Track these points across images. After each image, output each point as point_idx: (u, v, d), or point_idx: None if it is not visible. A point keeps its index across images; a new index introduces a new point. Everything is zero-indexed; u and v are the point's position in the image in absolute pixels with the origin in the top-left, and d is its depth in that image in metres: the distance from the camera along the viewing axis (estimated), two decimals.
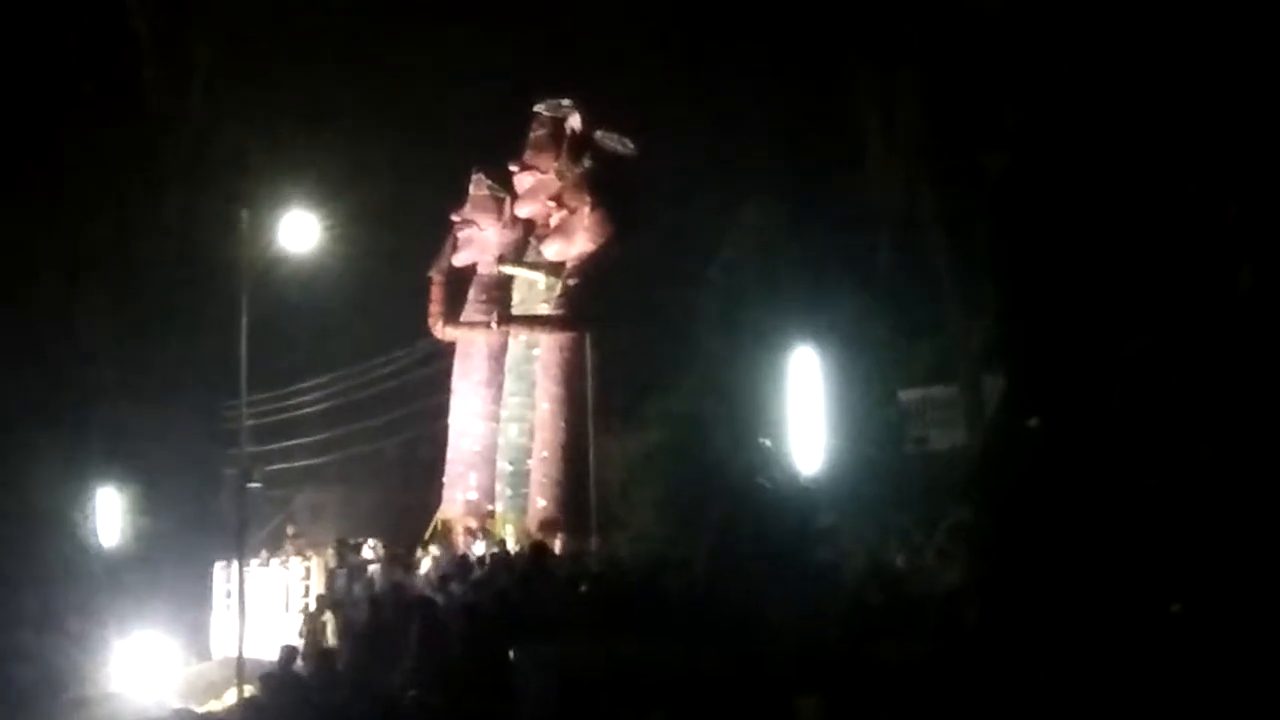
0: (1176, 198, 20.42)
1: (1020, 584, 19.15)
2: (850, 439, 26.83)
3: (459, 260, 34.39)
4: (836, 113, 29.35)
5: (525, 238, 33.74)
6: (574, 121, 32.65)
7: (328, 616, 28.61)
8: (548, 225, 32.50)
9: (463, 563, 28.38)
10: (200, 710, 26.03)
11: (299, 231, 30.56)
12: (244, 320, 28.84)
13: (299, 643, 26.82)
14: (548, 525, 30.31)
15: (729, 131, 31.08)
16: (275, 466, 38.21)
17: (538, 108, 33.15)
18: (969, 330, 26.17)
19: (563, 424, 31.24)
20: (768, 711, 14.16)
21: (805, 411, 27.22)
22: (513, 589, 23.89)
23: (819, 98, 29.65)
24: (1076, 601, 17.28)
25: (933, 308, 27.36)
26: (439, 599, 24.93)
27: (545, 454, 31.34)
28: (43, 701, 29.48)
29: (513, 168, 33.08)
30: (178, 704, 27.51)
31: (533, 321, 32.59)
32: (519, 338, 32.98)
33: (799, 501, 25.94)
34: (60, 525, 35.69)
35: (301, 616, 29.84)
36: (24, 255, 37.00)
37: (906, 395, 27.71)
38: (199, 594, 33.62)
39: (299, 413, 39.66)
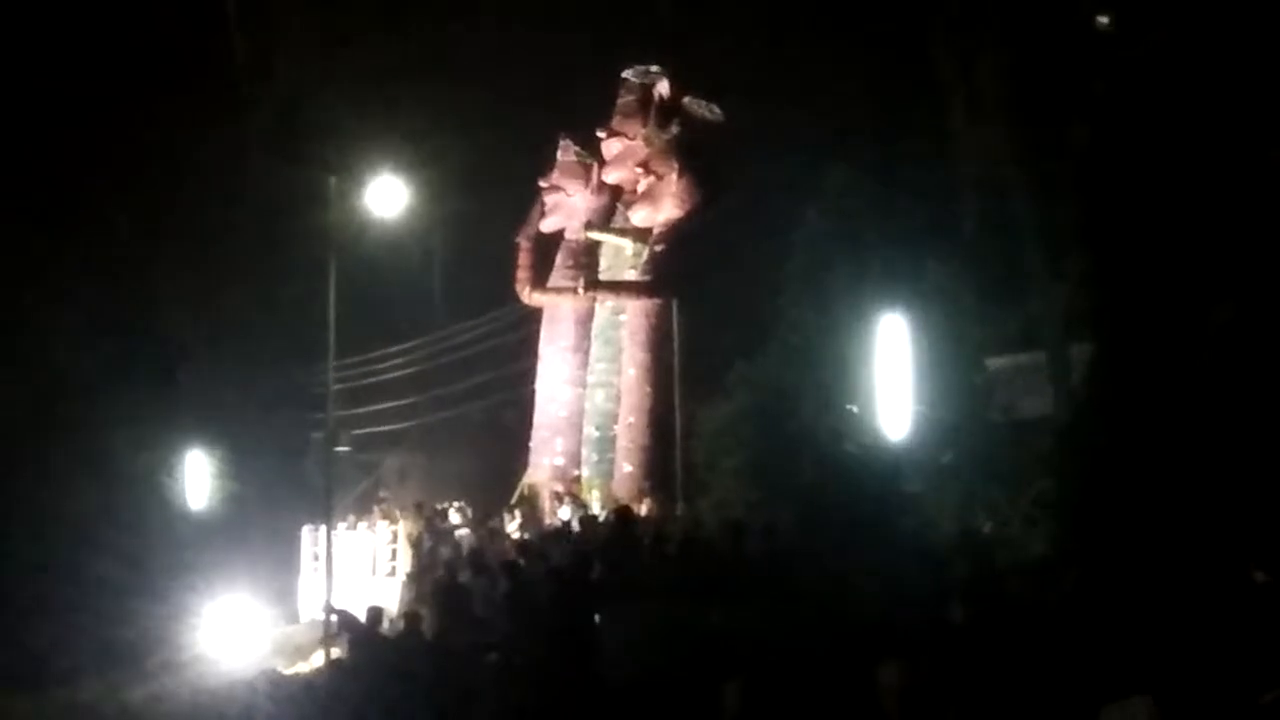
0: (1264, 165, 20.23)
1: (1107, 552, 19.05)
2: (937, 406, 26.69)
3: (546, 226, 34.44)
4: (924, 78, 29.18)
5: (612, 204, 33.74)
6: (662, 88, 32.63)
7: (414, 579, 28.78)
8: (635, 191, 32.51)
9: (548, 527, 28.47)
10: (288, 672, 26.18)
11: (386, 197, 30.69)
12: (332, 285, 28.99)
13: (390, 606, 26.95)
14: (633, 490, 30.36)
15: (816, 97, 30.92)
16: (363, 431, 38.38)
17: (626, 74, 33.13)
18: (1056, 298, 25.97)
19: (649, 389, 31.28)
20: (850, 679, 14.09)
21: (892, 378, 27.10)
22: (598, 554, 23.91)
23: (906, 63, 29.50)
24: (1163, 570, 17.16)
25: (1020, 275, 27.16)
26: (525, 563, 24.98)
27: (631, 419, 31.39)
28: (133, 665, 29.77)
29: (600, 134, 33.09)
30: (266, 666, 27.71)
31: (619, 287, 32.60)
32: (605, 304, 33.01)
33: (885, 469, 25.89)
34: (149, 489, 35.98)
35: (403, 582, 29.99)
36: (111, 223, 37.29)
37: (994, 362, 27.54)
38: (287, 557, 33.81)
39: (386, 377, 39.81)
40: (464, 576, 25.67)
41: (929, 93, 29.18)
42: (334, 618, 25.65)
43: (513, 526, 30.24)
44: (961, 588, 18.85)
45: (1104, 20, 27.16)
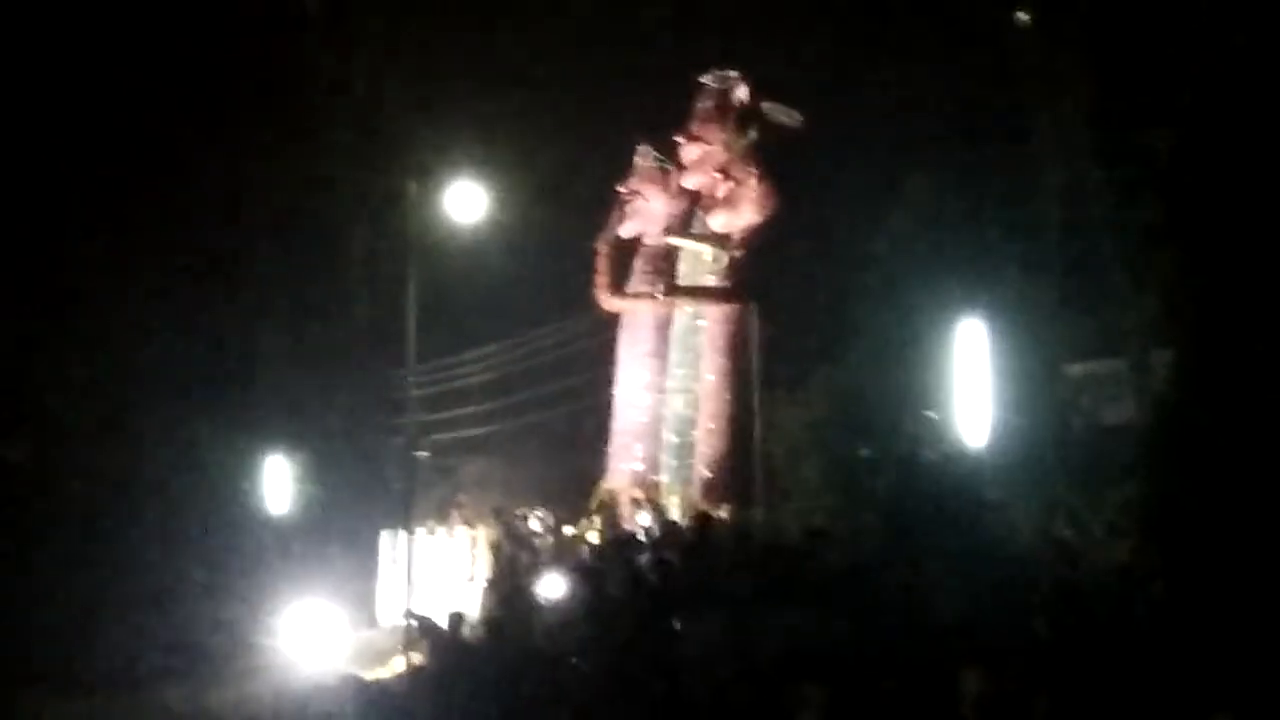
0: None
1: (1192, 562, 18.92)
2: (1017, 413, 26.59)
3: (625, 232, 34.42)
4: (1005, 81, 29.07)
5: (691, 209, 33.68)
6: (741, 93, 32.59)
7: (494, 585, 28.81)
8: (714, 197, 32.46)
9: (627, 533, 28.46)
10: (368, 677, 26.24)
11: (465, 202, 30.76)
12: (411, 290, 29.09)
13: (469, 612, 26.98)
14: (713, 497, 30.31)
15: (895, 103, 30.83)
16: (442, 436, 38.45)
17: (704, 79, 33.09)
18: (1138, 304, 25.83)
19: (728, 396, 31.24)
20: (931, 686, 14.05)
21: (971, 385, 27.01)
22: (678, 560, 23.90)
23: (988, 66, 29.38)
24: (1250, 578, 17.04)
25: (1102, 281, 27.02)
26: (604, 569, 24.98)
27: (711, 426, 31.35)
28: (215, 668, 29.91)
29: (679, 139, 33.05)
30: (346, 671, 27.80)
31: (699, 293, 32.56)
32: (685, 309, 32.95)
33: (965, 475, 25.79)
34: (230, 493, 36.15)
35: (482, 588, 30.02)
36: (192, 226, 37.49)
37: (1075, 369, 27.40)
38: (366, 562, 33.89)
39: (465, 382, 39.88)
40: (543, 582, 25.71)
41: (1010, 96, 29.06)
42: (414, 623, 25.73)
43: (592, 533, 30.24)
44: (1043, 596, 18.78)
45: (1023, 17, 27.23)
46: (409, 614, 26.50)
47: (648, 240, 34.27)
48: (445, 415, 38.88)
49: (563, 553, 28.38)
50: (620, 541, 27.52)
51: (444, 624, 24.02)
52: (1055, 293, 27.51)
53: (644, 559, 25.37)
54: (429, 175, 30.80)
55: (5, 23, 34.97)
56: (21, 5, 35.62)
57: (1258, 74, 22.12)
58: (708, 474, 31.01)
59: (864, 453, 27.87)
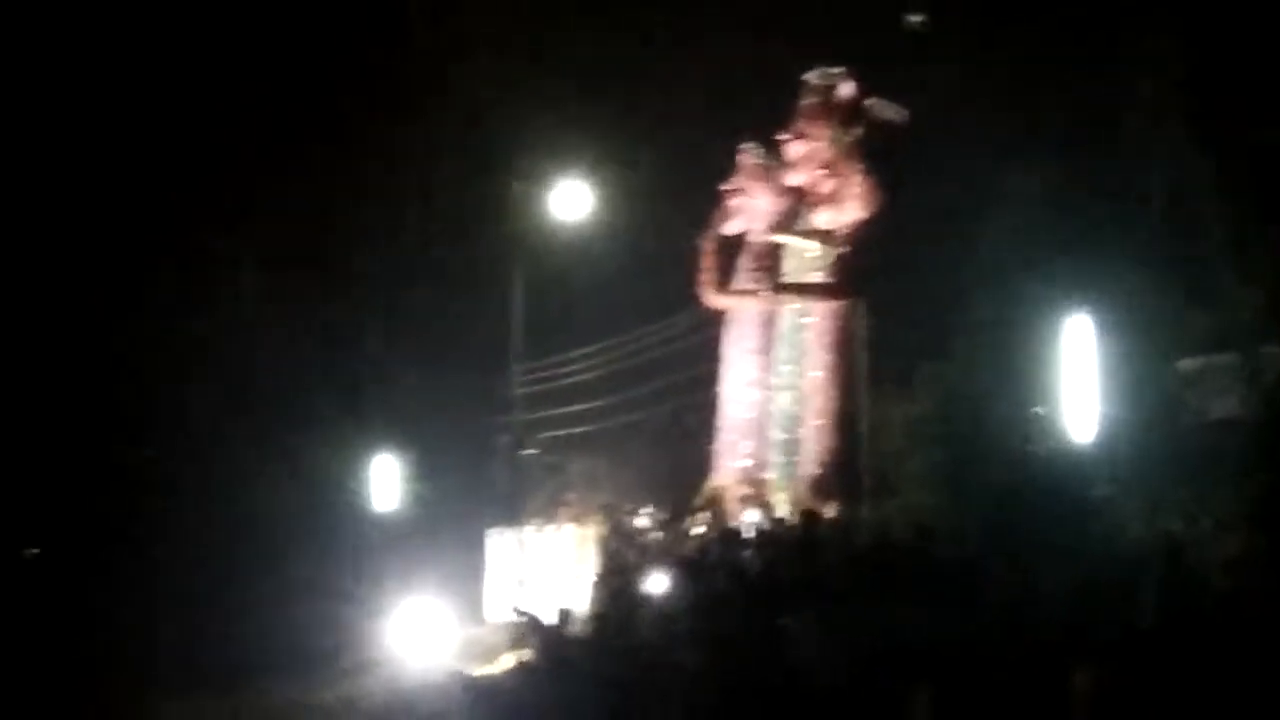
0: None
1: None
2: (1126, 408, 26.39)
3: (730, 229, 34.39)
4: (1111, 75, 28.88)
5: (796, 206, 33.60)
6: (845, 89, 32.49)
7: (602, 582, 28.87)
8: (819, 193, 32.40)
9: (734, 531, 28.46)
10: (476, 674, 26.35)
11: (571, 201, 30.87)
12: (518, 289, 29.24)
13: (577, 609, 27.04)
14: (820, 493, 30.25)
15: (1001, 97, 30.69)
16: (548, 433, 38.55)
17: (808, 75, 33.01)
18: (1248, 297, 25.61)
19: (834, 392, 31.18)
20: (1042, 684, 14.00)
21: (1080, 381, 26.85)
22: (785, 557, 23.89)
23: (1093, 60, 29.20)
24: None
25: (1211, 274, 26.80)
26: (712, 566, 24.99)
27: (817, 422, 31.31)
28: (325, 666, 30.15)
29: (783, 137, 33.00)
30: (454, 668, 27.93)
31: (804, 289, 32.50)
32: (790, 306, 32.90)
33: (1074, 472, 25.64)
34: (339, 492, 36.43)
35: (591, 585, 30.08)
36: (297, 228, 37.80)
37: (1185, 364, 27.18)
38: (473, 560, 34.03)
39: (573, 380, 39.94)
40: (650, 580, 25.75)
41: (1117, 90, 28.87)
42: (523, 619, 25.81)
43: (699, 529, 30.25)
44: (1154, 593, 18.65)
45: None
46: (518, 610, 26.56)
47: (753, 237, 34.23)
48: (552, 413, 38.95)
49: (670, 550, 28.38)
50: (727, 538, 27.53)
51: (552, 621, 24.12)
52: (1164, 287, 27.28)
53: (751, 556, 25.38)
54: (535, 175, 30.95)
55: (134, 28, 35.44)
56: (147, 11, 36.04)
57: None
58: (814, 470, 30.95)
59: (972, 449, 27.74)
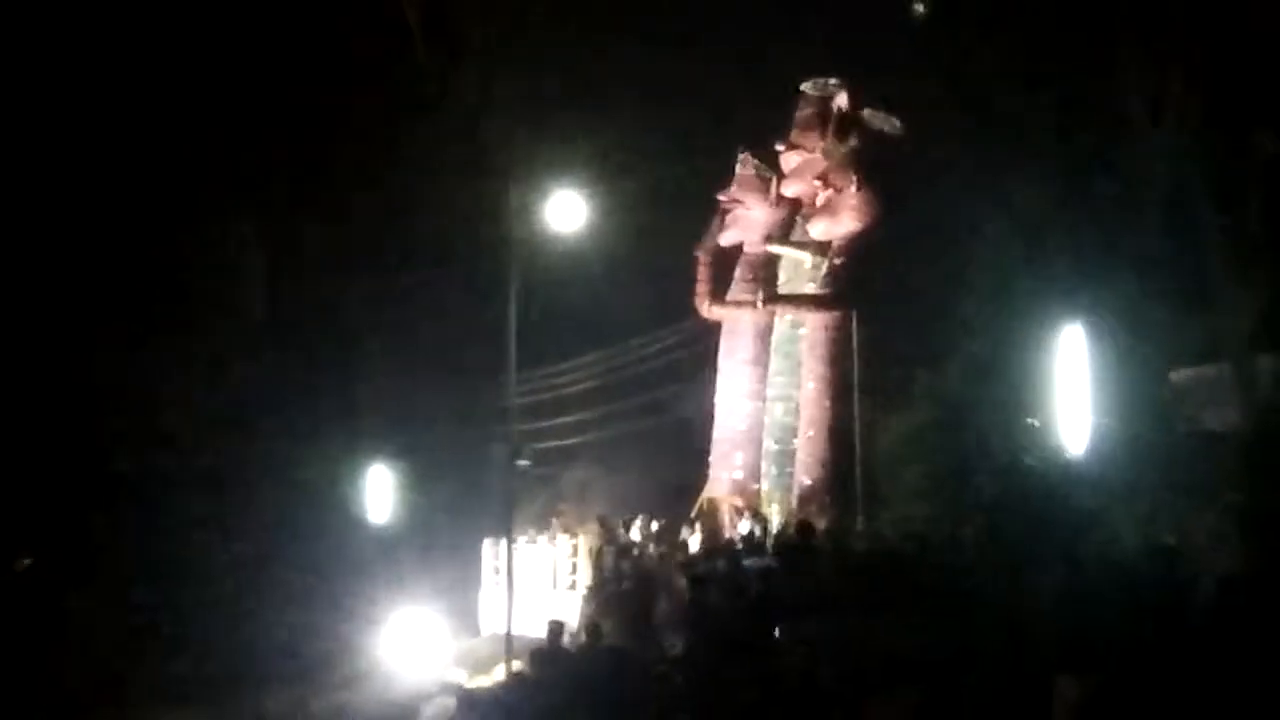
0: None
1: None
2: (1120, 419, 26.39)
3: (725, 240, 34.47)
4: (1107, 85, 28.90)
5: (791, 217, 33.71)
6: (840, 100, 32.60)
7: (595, 592, 28.87)
8: (814, 204, 32.52)
9: (728, 541, 28.46)
10: (469, 684, 26.34)
11: (566, 211, 30.85)
12: (512, 299, 29.20)
13: (570, 620, 27.04)
14: (813, 504, 30.32)
15: (995, 108, 30.71)
16: (543, 445, 38.54)
17: (804, 87, 33.12)
18: (1242, 308, 25.62)
19: (828, 403, 31.25)
20: (1030, 692, 14.00)
21: (1073, 391, 26.84)
22: (778, 567, 23.88)
23: (1090, 70, 29.22)
24: None
25: (1204, 286, 26.81)
26: (705, 577, 24.99)
27: (811, 433, 31.37)
28: (318, 675, 30.11)
29: (779, 147, 33.09)
30: (448, 678, 27.92)
31: (799, 301, 32.57)
32: (785, 317, 32.99)
33: (1067, 482, 25.64)
34: (333, 502, 36.40)
35: (584, 595, 30.08)
36: (295, 238, 37.80)
37: (1178, 374, 27.19)
38: (468, 570, 34.03)
39: (567, 391, 39.96)
40: (645, 590, 25.75)
41: (1113, 100, 28.90)
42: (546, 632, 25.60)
43: (693, 540, 30.26)
44: (1146, 603, 18.64)
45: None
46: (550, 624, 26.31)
47: (748, 248, 34.33)
48: (547, 424, 38.98)
49: (664, 561, 28.38)
50: (721, 549, 27.53)
51: (545, 632, 24.11)
52: (1158, 298, 27.29)
53: (745, 566, 25.38)
54: (531, 185, 30.92)
55: (128, 27, 35.45)
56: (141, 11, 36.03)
57: None
58: (808, 481, 31.02)
59: (965, 459, 27.76)
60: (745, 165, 34.45)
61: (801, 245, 32.97)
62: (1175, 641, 16.50)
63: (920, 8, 27.75)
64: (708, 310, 34.60)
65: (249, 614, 31.86)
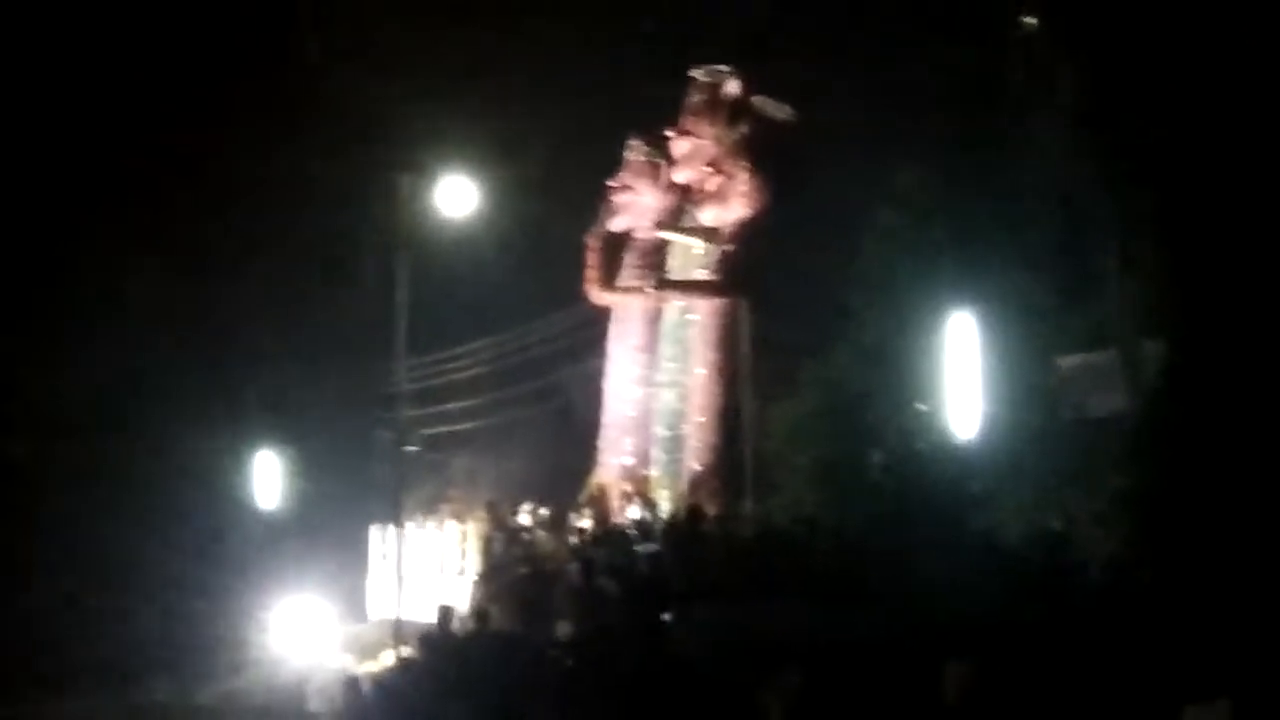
0: None
1: (1181, 551, 18.94)
2: (1007, 405, 26.61)
3: (616, 225, 34.35)
4: (996, 76, 29.09)
5: (682, 203, 33.62)
6: (731, 87, 32.54)
7: (484, 579, 28.81)
8: (704, 191, 32.45)
9: (617, 527, 28.46)
10: (357, 670, 26.23)
11: (456, 196, 30.73)
12: (401, 284, 29.08)
13: (459, 605, 26.95)
14: (702, 490, 30.28)
15: (886, 97, 30.82)
16: (432, 430, 38.40)
17: (695, 73, 33.04)
18: (1128, 296, 25.86)
19: (718, 389, 31.22)
20: (917, 676, 14.05)
21: (962, 378, 27.02)
22: (667, 553, 23.92)
23: (978, 61, 29.39)
24: (1238, 569, 17.05)
25: (1091, 273, 27.05)
26: (594, 562, 24.98)
27: (700, 419, 31.34)
28: (203, 664, 29.91)
29: (670, 133, 33.01)
30: (335, 665, 27.80)
31: (689, 287, 32.52)
32: (675, 303, 32.92)
33: (954, 468, 25.82)
34: (219, 488, 36.16)
35: (473, 581, 29.99)
36: (180, 221, 37.49)
37: (1065, 361, 27.42)
38: (355, 557, 33.86)
39: (456, 377, 39.81)
40: (535, 576, 25.71)
41: (1001, 91, 29.08)
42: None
43: (583, 526, 30.20)
44: (1033, 587, 18.81)
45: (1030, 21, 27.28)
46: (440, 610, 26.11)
47: (638, 234, 34.21)
48: (435, 410, 38.82)
49: (553, 547, 28.33)
50: (610, 535, 27.53)
51: (434, 617, 24.05)
52: (1046, 286, 27.51)
53: (634, 551, 25.41)
54: (420, 170, 30.78)
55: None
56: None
57: (1247, 68, 22.14)
58: (698, 467, 30.99)
59: (854, 445, 27.90)
60: (636, 151, 34.33)
61: (692, 231, 32.91)
62: (1061, 623, 16.66)
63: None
64: (598, 296, 34.47)
65: (135, 601, 31.60)
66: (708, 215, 32.22)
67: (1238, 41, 23.16)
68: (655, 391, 33.05)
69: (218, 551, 34.03)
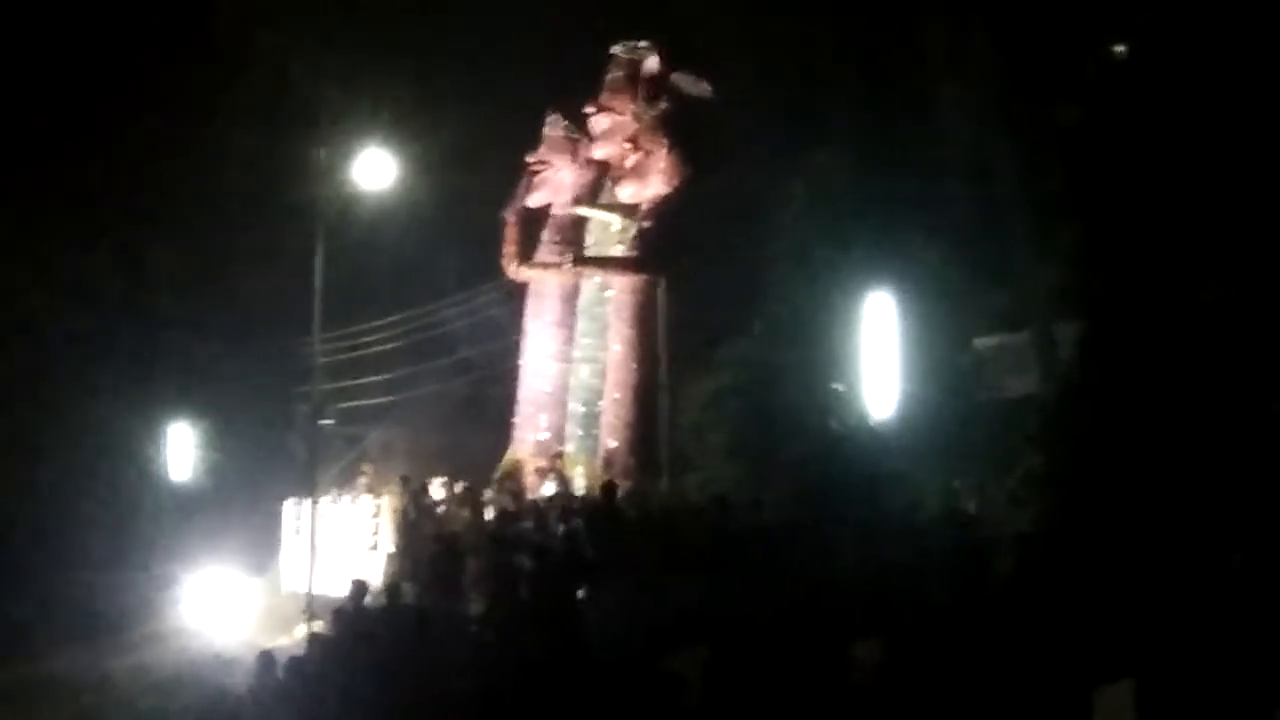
0: (1253, 143, 20.25)
1: (1093, 532, 19.08)
2: (924, 385, 26.75)
3: (533, 201, 34.30)
4: (912, 56, 29.19)
5: (600, 179, 33.60)
6: (651, 63, 32.50)
7: (397, 554, 28.78)
8: (623, 167, 32.40)
9: (532, 503, 28.45)
10: (269, 645, 26.16)
11: (374, 170, 30.66)
12: (319, 258, 28.99)
13: (373, 580, 26.93)
14: (618, 466, 30.29)
15: (805, 75, 30.89)
16: (347, 404, 38.34)
17: (614, 49, 32.99)
18: (1043, 277, 26.02)
19: (634, 366, 31.22)
20: (827, 653, 14.13)
21: (879, 357, 27.14)
22: (581, 530, 23.92)
23: (895, 40, 29.49)
24: (1148, 550, 17.19)
25: (1007, 255, 27.20)
26: (508, 538, 24.98)
27: (617, 395, 31.33)
28: (114, 636, 29.80)
29: (588, 109, 32.95)
30: (247, 638, 27.73)
31: (606, 263, 32.49)
32: (592, 279, 32.91)
33: (870, 447, 25.93)
34: (132, 461, 36.00)
35: (386, 556, 29.94)
36: (98, 194, 37.26)
37: (981, 342, 27.59)
38: (269, 530, 33.77)
39: (372, 351, 39.75)
40: (447, 551, 25.67)
41: (917, 71, 29.18)
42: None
43: (497, 501, 30.18)
44: (945, 566, 18.90)
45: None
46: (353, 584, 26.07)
47: (556, 210, 34.17)
48: (351, 383, 38.76)
49: (467, 522, 28.29)
50: (524, 511, 27.52)
51: (347, 592, 24.02)
52: (962, 266, 27.64)
53: (548, 528, 25.40)
54: (337, 143, 30.69)
55: None
56: None
57: (1162, 47, 22.29)
58: (613, 443, 30.99)
59: (770, 424, 27.97)
60: (554, 127, 34.29)
61: (610, 208, 32.88)
62: (972, 602, 16.76)
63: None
64: (515, 272, 34.41)
65: (44, 572, 31.44)
66: (626, 191, 32.17)
67: (1151, 20, 23.30)
68: (572, 367, 33.04)
69: (130, 523, 33.90)
